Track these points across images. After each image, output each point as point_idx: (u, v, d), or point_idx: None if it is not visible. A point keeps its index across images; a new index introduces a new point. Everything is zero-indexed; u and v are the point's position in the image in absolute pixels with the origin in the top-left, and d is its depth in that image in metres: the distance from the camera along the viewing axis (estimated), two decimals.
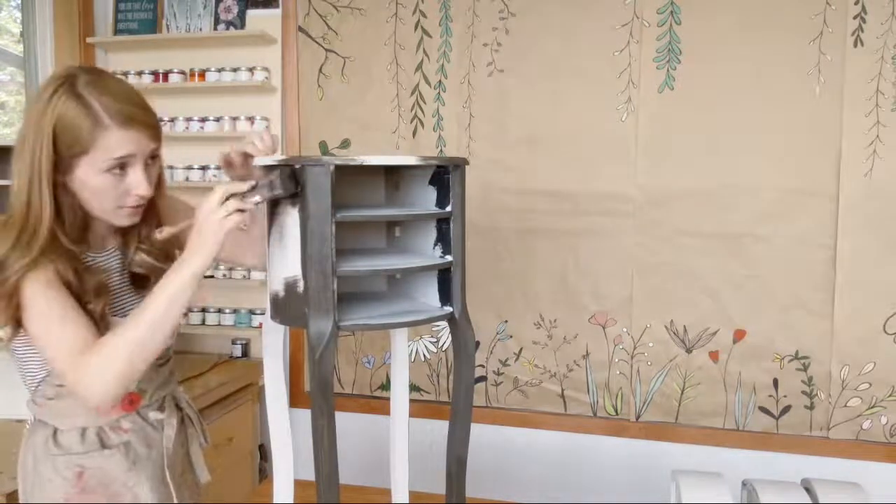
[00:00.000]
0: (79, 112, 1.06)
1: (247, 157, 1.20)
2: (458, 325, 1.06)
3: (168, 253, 1.29)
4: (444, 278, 1.07)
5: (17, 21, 2.67)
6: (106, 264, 1.23)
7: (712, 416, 2.31)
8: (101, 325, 1.14)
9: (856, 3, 2.12)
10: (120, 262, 1.26)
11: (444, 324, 2.36)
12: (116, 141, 1.09)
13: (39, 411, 1.21)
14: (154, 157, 1.17)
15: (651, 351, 2.35)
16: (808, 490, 1.20)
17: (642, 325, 2.34)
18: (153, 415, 1.28)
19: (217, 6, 2.64)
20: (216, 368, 2.52)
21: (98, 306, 1.14)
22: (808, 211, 2.19)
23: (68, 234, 1.13)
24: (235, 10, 2.63)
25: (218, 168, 2.64)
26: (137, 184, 1.13)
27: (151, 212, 1.24)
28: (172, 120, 2.66)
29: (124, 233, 1.25)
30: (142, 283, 1.26)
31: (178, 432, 1.32)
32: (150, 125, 1.14)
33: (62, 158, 1.08)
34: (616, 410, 2.39)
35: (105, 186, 1.11)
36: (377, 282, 1.22)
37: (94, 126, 1.07)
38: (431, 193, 1.08)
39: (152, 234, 1.19)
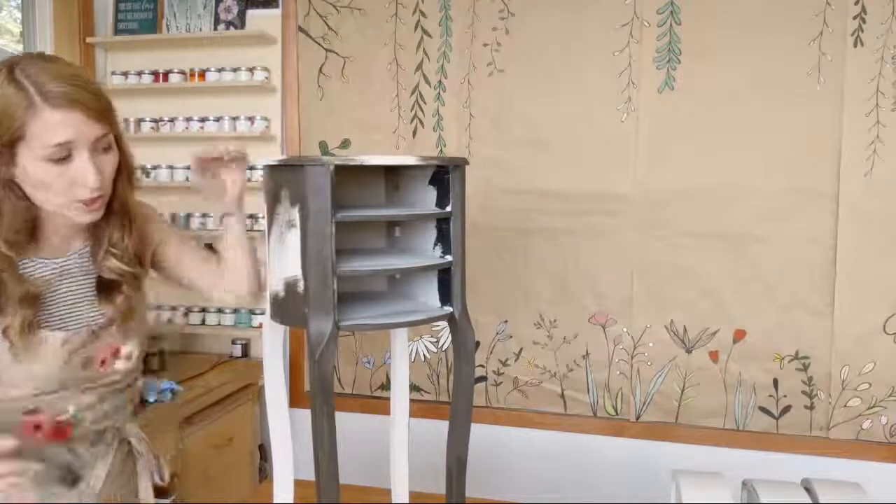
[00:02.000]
0: (12, 95, 0.97)
1: (216, 161, 1.24)
2: (458, 325, 1.06)
3: (141, 258, 1.19)
4: (444, 278, 1.07)
5: (17, 21, 2.67)
6: (62, 269, 1.11)
7: (712, 416, 2.31)
8: (22, 338, 1.03)
9: (856, 3, 2.11)
10: (84, 267, 1.14)
11: (444, 324, 2.36)
12: (51, 124, 0.97)
13: None
14: (107, 147, 1.05)
15: (651, 351, 2.35)
16: (808, 490, 1.20)
17: (642, 325, 2.34)
18: (82, 450, 1.13)
19: (217, 6, 2.64)
20: (216, 368, 2.52)
21: (16, 320, 1.02)
22: (808, 211, 2.19)
23: (3, 234, 1.03)
24: (235, 10, 2.63)
25: None
26: (84, 173, 1.01)
27: (122, 212, 1.14)
28: (172, 120, 2.66)
29: (95, 234, 1.14)
30: (108, 289, 1.14)
31: (120, 471, 1.19)
32: (91, 107, 1.00)
33: (3, 149, 0.99)
34: (616, 410, 2.39)
35: (47, 177, 1.00)
36: (377, 282, 1.22)
37: (26, 108, 0.96)
38: (431, 193, 1.08)
39: (125, 237, 1.13)
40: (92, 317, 1.13)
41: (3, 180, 1.01)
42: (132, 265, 1.16)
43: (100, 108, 1.02)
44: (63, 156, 0.99)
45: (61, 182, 1.00)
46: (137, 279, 1.18)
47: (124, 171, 1.11)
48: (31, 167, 0.99)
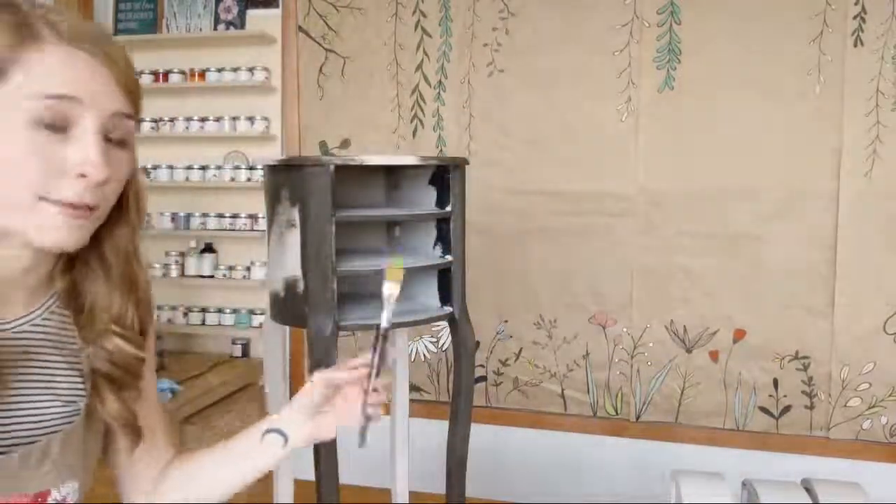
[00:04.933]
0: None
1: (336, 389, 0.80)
2: (458, 325, 1.06)
3: (143, 336, 0.74)
4: (444, 278, 1.07)
5: None
6: (15, 343, 0.66)
7: (712, 416, 2.31)
8: None
9: (856, 4, 2.11)
10: (48, 342, 0.69)
11: (444, 324, 2.36)
12: (53, 64, 0.60)
13: None
14: (123, 139, 0.66)
15: (651, 351, 2.34)
16: (808, 490, 1.20)
17: (642, 325, 2.34)
18: None
19: (217, 6, 2.64)
20: (216, 368, 2.52)
21: None
22: (808, 211, 2.19)
23: None
24: (235, 10, 2.63)
25: (218, 168, 2.64)
26: (84, 150, 0.61)
27: (125, 262, 0.71)
28: (172, 120, 2.66)
29: (71, 288, 0.70)
30: (99, 387, 0.71)
31: None
32: (119, 64, 0.64)
33: None
34: (616, 410, 2.39)
35: (23, 150, 0.60)
36: (377, 282, 1.22)
37: (18, 35, 0.60)
38: (431, 193, 1.08)
39: (129, 307, 0.71)
40: (47, 425, 0.67)
41: None
42: (139, 347, 0.73)
43: (130, 76, 0.65)
44: (57, 120, 0.61)
45: (42, 163, 0.60)
46: (138, 377, 0.74)
47: (133, 202, 0.71)
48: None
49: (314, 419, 0.79)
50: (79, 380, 0.70)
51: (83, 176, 0.61)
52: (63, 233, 0.62)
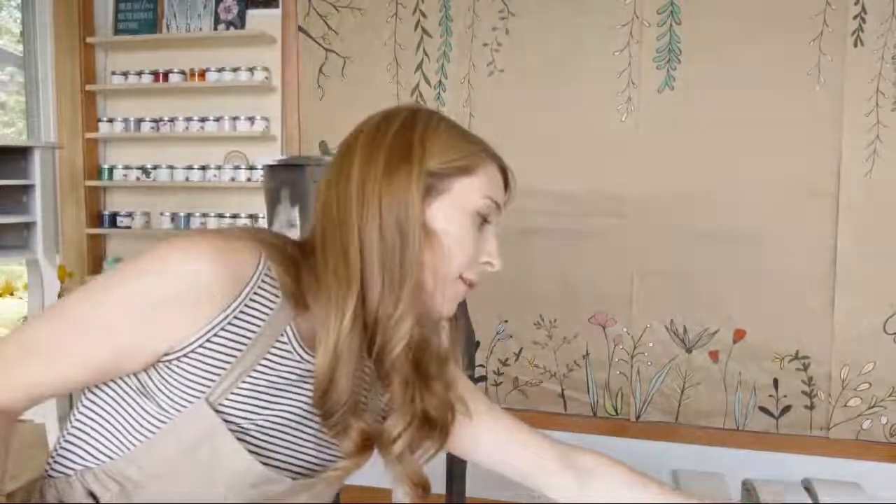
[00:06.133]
0: (458, 128, 0.80)
1: None
2: (458, 324, 1.06)
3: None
4: None
5: (17, 21, 2.67)
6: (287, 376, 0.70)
7: (712, 416, 2.31)
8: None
9: (856, 4, 2.11)
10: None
11: (443, 324, 2.36)
12: (493, 177, 0.79)
13: None
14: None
15: (651, 351, 2.35)
16: (808, 490, 1.20)
17: (642, 325, 2.34)
18: None
19: (217, 6, 2.64)
20: None
21: None
22: (808, 211, 2.19)
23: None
24: (235, 10, 2.63)
25: (218, 168, 2.64)
26: (492, 244, 0.78)
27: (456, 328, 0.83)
28: (172, 120, 2.66)
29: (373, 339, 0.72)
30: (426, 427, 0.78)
31: None
32: (508, 181, 0.84)
33: (435, 180, 0.74)
34: (616, 410, 2.39)
35: (468, 234, 0.75)
36: None
37: (473, 149, 0.78)
38: None
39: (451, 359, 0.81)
40: (326, 458, 0.75)
41: (420, 223, 0.71)
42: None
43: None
44: (488, 216, 0.77)
45: (472, 248, 0.75)
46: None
47: None
48: (457, 218, 0.74)
49: None
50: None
51: (488, 264, 0.77)
52: (452, 306, 0.77)
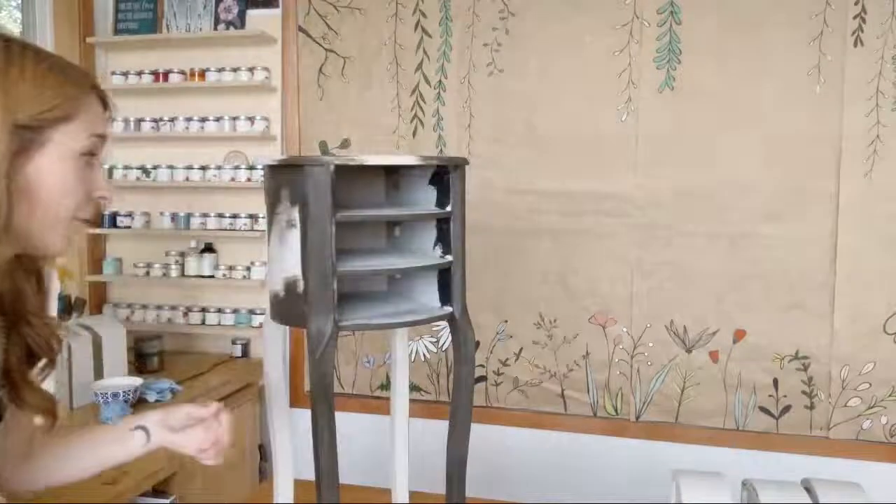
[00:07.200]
0: (53, 68, 0.74)
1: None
2: (458, 325, 1.06)
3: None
4: (444, 278, 1.07)
5: (17, 21, 2.67)
6: None
7: (712, 416, 2.31)
8: None
9: (856, 4, 2.11)
10: None
11: (444, 324, 2.36)
12: (97, 112, 0.78)
13: None
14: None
15: (651, 351, 2.34)
16: (808, 490, 1.20)
17: (642, 325, 2.34)
18: None
19: (217, 6, 2.64)
20: (216, 368, 2.53)
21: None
22: (808, 211, 2.19)
23: None
24: (235, 10, 2.63)
25: (218, 168, 2.64)
26: (100, 180, 0.80)
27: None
28: (172, 120, 2.66)
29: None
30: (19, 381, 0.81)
31: None
32: (109, 113, 0.82)
33: (29, 132, 0.71)
34: (616, 410, 2.39)
35: (72, 178, 0.75)
36: (377, 282, 1.22)
37: (80, 86, 0.76)
38: (431, 193, 1.08)
39: (50, 298, 0.84)
40: None
41: (11, 179, 0.69)
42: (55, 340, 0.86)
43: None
44: (95, 152, 0.78)
45: (80, 188, 0.76)
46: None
47: None
48: (59, 167, 0.73)
49: (174, 433, 0.95)
50: None
51: (102, 198, 0.80)
52: (66, 241, 0.78)
